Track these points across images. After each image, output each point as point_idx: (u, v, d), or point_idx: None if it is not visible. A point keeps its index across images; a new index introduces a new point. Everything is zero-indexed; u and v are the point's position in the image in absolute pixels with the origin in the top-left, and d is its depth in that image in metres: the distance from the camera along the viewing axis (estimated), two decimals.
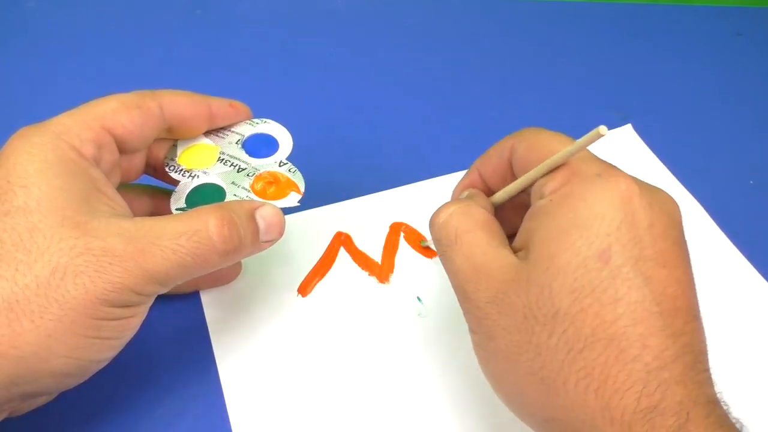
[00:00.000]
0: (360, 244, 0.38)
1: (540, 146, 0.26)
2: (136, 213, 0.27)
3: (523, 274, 0.23)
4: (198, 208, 0.27)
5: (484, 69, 0.51)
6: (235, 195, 0.30)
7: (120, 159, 0.28)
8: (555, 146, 0.25)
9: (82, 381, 0.25)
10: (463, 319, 0.34)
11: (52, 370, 0.23)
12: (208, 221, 0.25)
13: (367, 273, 0.37)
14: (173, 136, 0.31)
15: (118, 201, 0.26)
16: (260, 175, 0.31)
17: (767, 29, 0.57)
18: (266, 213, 0.28)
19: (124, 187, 0.31)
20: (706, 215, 0.40)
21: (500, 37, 0.54)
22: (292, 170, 0.31)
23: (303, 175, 0.31)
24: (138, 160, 0.30)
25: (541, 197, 0.24)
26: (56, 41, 0.51)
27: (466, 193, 0.30)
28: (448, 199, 0.41)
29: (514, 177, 0.28)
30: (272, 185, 0.30)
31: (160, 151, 0.31)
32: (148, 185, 0.33)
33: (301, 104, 0.47)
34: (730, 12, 0.58)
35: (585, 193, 0.23)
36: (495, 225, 0.26)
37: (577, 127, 0.46)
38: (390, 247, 0.38)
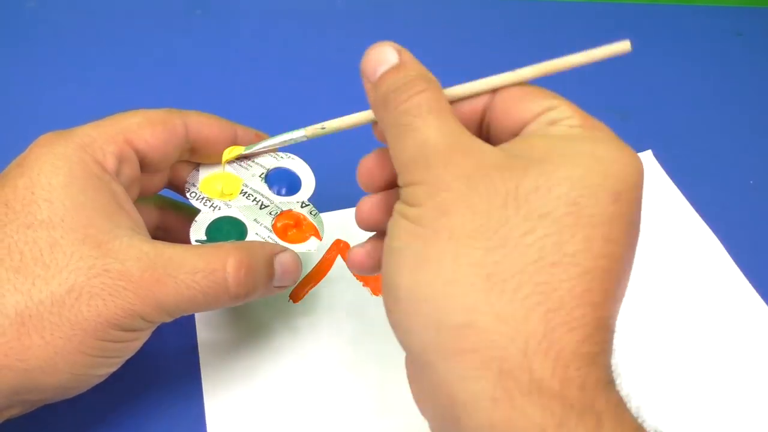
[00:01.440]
0: None
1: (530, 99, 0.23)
2: (176, 230, 0.28)
3: (519, 164, 0.20)
4: (219, 244, 0.26)
5: (484, 69, 0.51)
6: (256, 233, 0.29)
7: (140, 176, 0.28)
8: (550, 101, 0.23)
9: (79, 393, 0.25)
10: None
11: (54, 384, 0.24)
12: (226, 262, 0.25)
13: (361, 283, 0.36)
14: (196, 159, 0.31)
15: (136, 217, 0.26)
16: (282, 214, 0.30)
17: (767, 29, 0.57)
18: (285, 260, 0.28)
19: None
20: (726, 253, 0.38)
21: (500, 37, 0.54)
22: (314, 213, 0.31)
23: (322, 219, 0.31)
24: (158, 180, 0.30)
25: (553, 123, 0.22)
26: (56, 41, 0.51)
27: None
28: None
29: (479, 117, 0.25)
30: (293, 228, 0.30)
31: (184, 173, 0.31)
32: (158, 195, 0.32)
33: (301, 105, 0.47)
34: (730, 12, 0.58)
35: (602, 138, 0.21)
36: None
37: None
38: None
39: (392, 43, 0.24)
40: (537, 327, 0.18)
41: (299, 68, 0.50)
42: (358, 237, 0.38)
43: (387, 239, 0.22)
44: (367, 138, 0.46)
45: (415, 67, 0.23)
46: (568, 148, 0.21)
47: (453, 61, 0.52)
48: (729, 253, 0.38)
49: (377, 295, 0.36)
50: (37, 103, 0.45)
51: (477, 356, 0.18)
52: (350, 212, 0.39)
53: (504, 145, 0.22)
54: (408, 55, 0.24)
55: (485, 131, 0.25)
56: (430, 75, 0.23)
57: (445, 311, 0.19)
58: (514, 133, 0.23)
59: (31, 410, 0.25)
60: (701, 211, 0.40)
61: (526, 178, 0.19)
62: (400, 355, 0.33)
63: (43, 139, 0.25)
